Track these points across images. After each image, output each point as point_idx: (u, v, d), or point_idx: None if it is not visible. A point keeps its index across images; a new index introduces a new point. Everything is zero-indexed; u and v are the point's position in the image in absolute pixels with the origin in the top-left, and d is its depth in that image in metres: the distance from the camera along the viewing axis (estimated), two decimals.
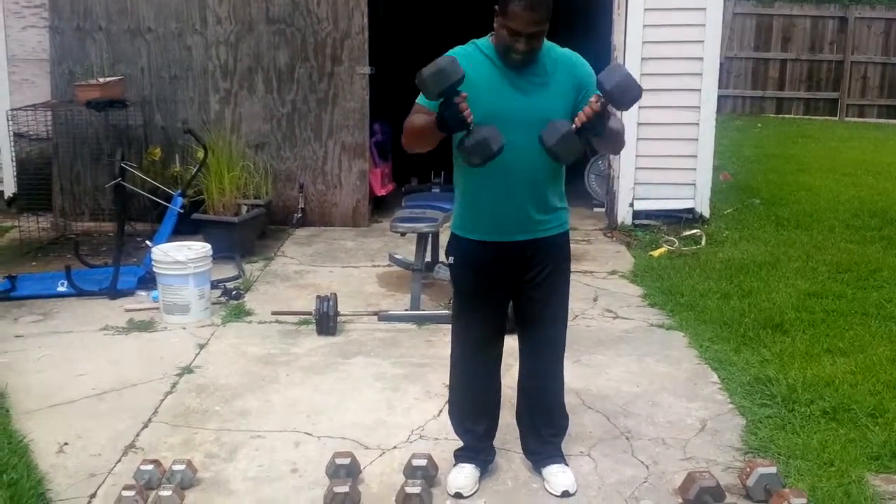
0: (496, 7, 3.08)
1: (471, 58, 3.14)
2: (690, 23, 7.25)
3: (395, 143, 8.92)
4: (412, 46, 10.20)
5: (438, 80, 2.89)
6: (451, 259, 3.41)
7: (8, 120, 7.02)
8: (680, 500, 3.35)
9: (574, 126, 2.95)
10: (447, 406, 3.71)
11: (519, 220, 3.24)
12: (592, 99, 2.95)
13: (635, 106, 7.84)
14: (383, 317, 5.30)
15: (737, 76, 16.27)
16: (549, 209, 3.29)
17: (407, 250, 6.25)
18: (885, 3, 17.22)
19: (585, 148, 3.12)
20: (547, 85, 3.14)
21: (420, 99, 3.15)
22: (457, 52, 3.17)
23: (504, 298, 3.42)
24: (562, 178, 3.33)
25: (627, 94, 2.92)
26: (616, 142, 3.26)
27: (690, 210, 7.56)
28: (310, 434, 3.89)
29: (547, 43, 3.17)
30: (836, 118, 16.21)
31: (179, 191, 6.19)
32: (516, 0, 2.98)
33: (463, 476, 3.44)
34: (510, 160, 3.11)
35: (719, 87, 7.66)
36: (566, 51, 3.25)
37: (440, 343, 4.87)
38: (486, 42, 3.20)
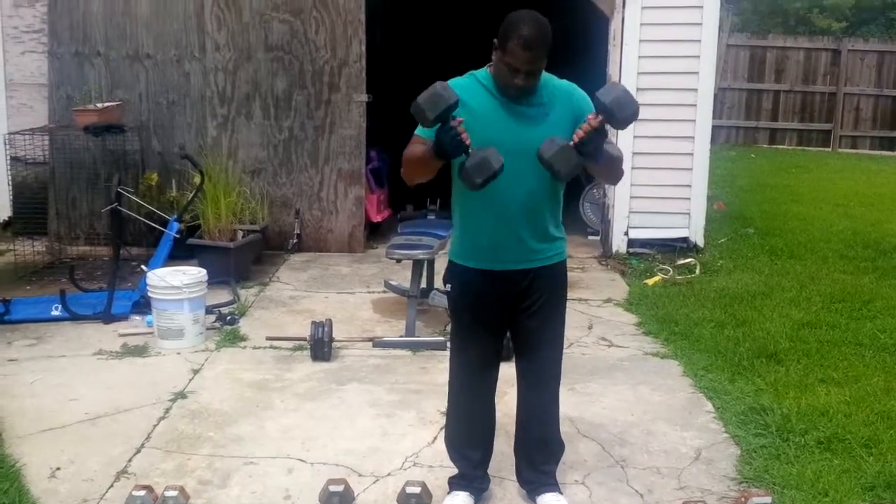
0: (495, 41, 3.10)
1: (469, 89, 3.17)
2: (685, 54, 7.32)
3: (392, 170, 8.99)
4: (409, 74, 10.29)
5: (434, 104, 2.91)
6: (448, 286, 3.42)
7: (5, 144, 7.04)
8: None
9: (572, 142, 2.97)
10: (443, 433, 3.70)
11: (517, 250, 3.25)
12: (590, 116, 2.99)
13: (630, 135, 7.89)
14: (378, 343, 5.30)
15: (730, 107, 16.40)
16: (547, 238, 3.30)
17: (402, 277, 6.25)
18: (878, 35, 17.41)
19: (581, 174, 3.14)
20: (546, 116, 3.16)
21: (419, 130, 3.18)
22: (455, 83, 3.19)
23: (501, 326, 3.43)
24: (559, 207, 3.35)
25: (625, 109, 2.93)
26: (614, 169, 3.27)
27: (685, 239, 7.59)
28: (303, 461, 3.87)
29: (545, 74, 3.19)
30: (829, 149, 16.32)
31: (175, 216, 6.20)
32: (515, 38, 3.00)
33: None
34: (508, 190, 3.14)
35: (713, 118, 7.72)
36: (564, 82, 3.28)
37: (435, 370, 4.87)
38: (484, 73, 3.23)
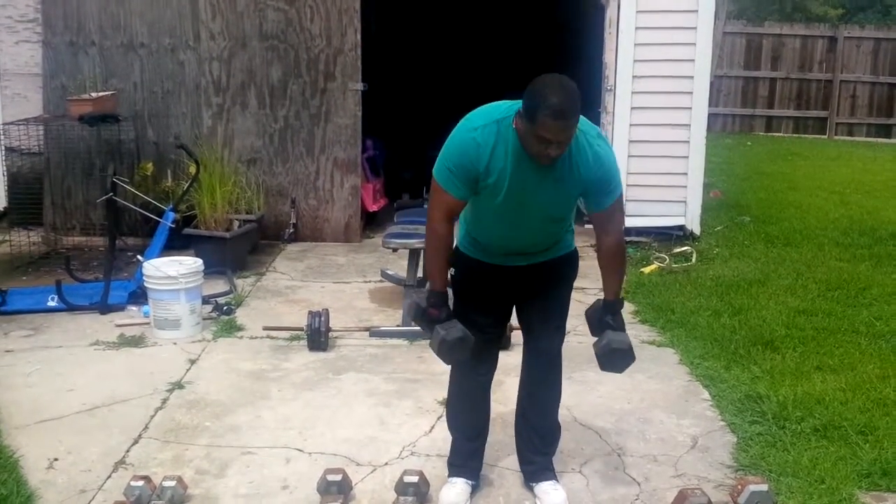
0: (521, 110, 2.92)
1: (492, 143, 3.01)
2: (681, 42, 7.31)
3: (387, 159, 8.98)
4: (404, 63, 10.26)
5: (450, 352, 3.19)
6: (452, 271, 3.39)
7: (0, 134, 7.01)
8: None
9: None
10: (440, 422, 3.72)
11: (527, 253, 3.30)
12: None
13: (627, 123, 7.85)
14: (375, 332, 5.30)
15: (727, 94, 16.39)
16: (559, 242, 3.36)
17: (399, 266, 6.24)
18: (874, 22, 17.38)
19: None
20: (566, 179, 3.07)
21: (440, 178, 3.08)
22: (476, 136, 3.01)
23: (504, 312, 3.46)
24: (573, 217, 3.37)
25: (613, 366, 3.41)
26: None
27: (681, 227, 7.59)
28: (301, 450, 3.88)
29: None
30: (826, 136, 16.33)
31: (171, 206, 6.18)
32: (544, 109, 2.82)
33: (454, 492, 3.44)
34: (524, 220, 3.17)
35: (709, 105, 7.71)
36: (597, 147, 3.08)
37: (432, 359, 4.82)
38: (508, 127, 3.01)
